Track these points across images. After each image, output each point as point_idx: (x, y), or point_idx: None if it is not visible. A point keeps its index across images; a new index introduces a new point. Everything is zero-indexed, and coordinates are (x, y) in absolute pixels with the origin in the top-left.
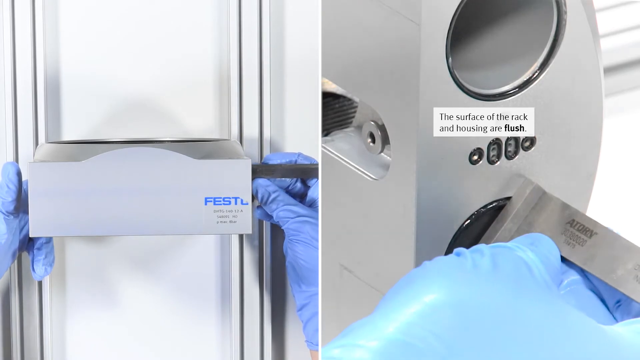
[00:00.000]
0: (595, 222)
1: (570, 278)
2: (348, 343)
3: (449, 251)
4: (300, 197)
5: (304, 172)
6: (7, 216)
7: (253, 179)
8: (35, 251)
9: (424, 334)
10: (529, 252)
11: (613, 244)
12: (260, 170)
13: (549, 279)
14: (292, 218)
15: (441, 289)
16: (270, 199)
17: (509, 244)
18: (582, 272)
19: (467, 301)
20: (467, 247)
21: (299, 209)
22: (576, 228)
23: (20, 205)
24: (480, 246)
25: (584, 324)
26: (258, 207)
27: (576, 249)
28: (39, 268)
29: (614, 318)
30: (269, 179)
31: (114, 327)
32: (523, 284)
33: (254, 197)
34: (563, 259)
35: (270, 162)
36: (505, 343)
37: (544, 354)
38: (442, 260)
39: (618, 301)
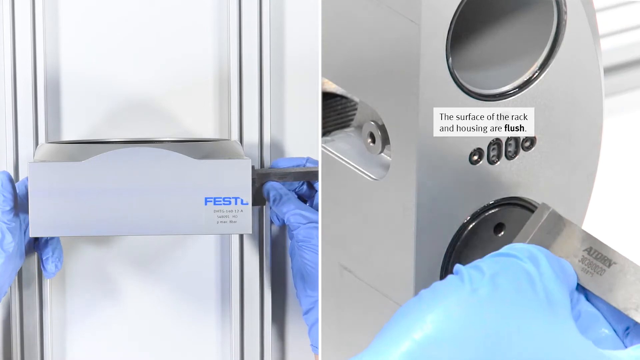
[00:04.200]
0: (614, 252)
1: (580, 301)
2: None
3: (448, 251)
4: (306, 199)
5: (315, 176)
6: (9, 224)
7: (265, 182)
8: (43, 249)
9: None
10: (542, 257)
11: (634, 275)
12: (273, 174)
13: (554, 291)
14: (303, 224)
15: (432, 324)
16: (282, 201)
17: (514, 251)
18: (586, 293)
19: (459, 333)
20: (468, 246)
21: (310, 214)
22: (594, 256)
23: (20, 206)
24: (482, 262)
25: (582, 346)
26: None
27: (594, 277)
28: (49, 265)
29: (624, 345)
30: (280, 183)
31: (114, 327)
32: (523, 304)
33: (261, 199)
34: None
35: (279, 167)
36: None
37: None
38: (438, 288)
39: (627, 328)
